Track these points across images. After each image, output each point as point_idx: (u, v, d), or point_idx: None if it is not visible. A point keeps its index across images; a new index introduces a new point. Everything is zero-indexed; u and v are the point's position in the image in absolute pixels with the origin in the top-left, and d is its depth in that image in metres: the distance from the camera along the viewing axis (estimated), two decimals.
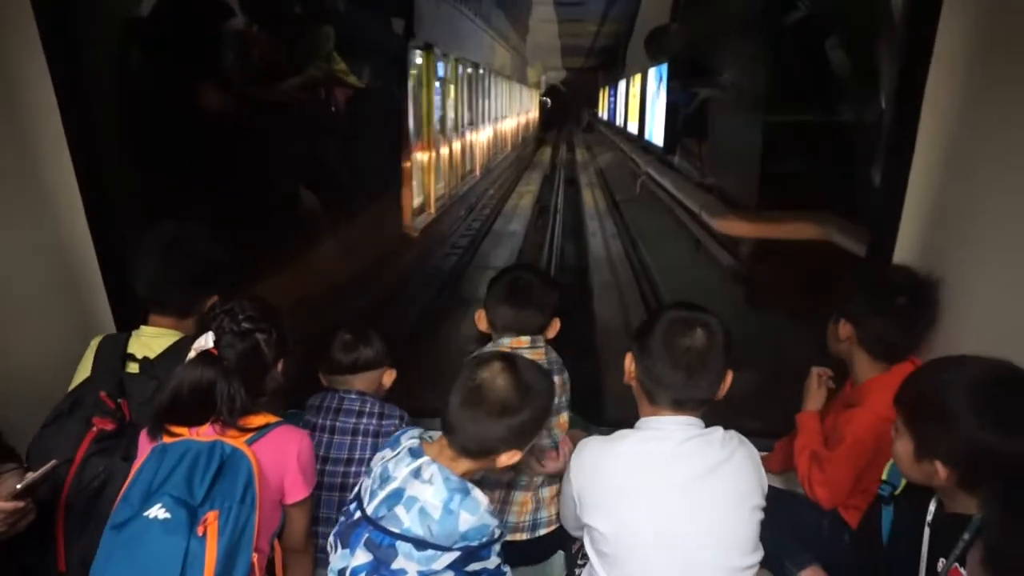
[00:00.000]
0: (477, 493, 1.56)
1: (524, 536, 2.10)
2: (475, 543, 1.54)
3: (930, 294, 2.08)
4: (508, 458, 1.62)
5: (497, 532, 1.58)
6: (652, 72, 12.74)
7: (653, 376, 1.64)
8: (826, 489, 2.09)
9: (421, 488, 1.54)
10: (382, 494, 1.57)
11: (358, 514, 1.60)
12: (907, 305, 2.07)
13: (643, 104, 14.36)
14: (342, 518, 1.65)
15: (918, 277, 2.11)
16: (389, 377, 2.26)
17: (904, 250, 2.32)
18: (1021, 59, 1.89)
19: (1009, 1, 1.94)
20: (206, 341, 1.64)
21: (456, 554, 1.52)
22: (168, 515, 1.48)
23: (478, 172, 14.76)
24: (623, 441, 1.66)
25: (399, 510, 1.53)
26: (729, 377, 1.66)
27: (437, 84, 10.65)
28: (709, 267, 7.28)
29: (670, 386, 1.63)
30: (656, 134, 11.75)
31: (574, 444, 2.58)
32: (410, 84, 7.85)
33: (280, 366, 1.79)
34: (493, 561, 1.59)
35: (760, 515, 1.62)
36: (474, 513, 1.53)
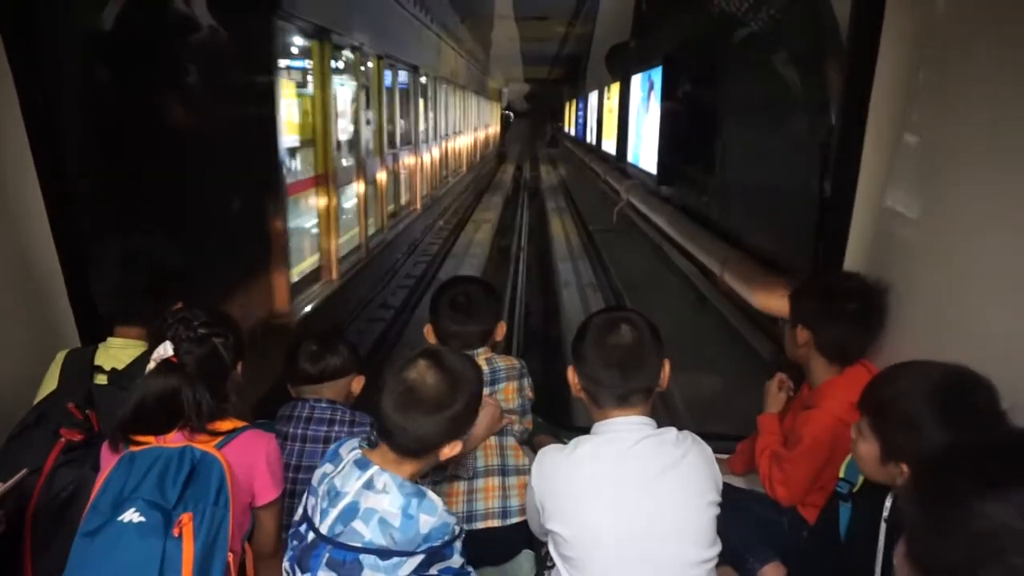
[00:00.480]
0: (431, 495, 1.59)
1: (496, 523, 2.12)
2: (438, 543, 1.55)
3: (879, 299, 2.17)
4: (450, 450, 1.64)
5: (457, 529, 1.60)
6: (637, 80, 11.45)
7: (593, 380, 1.72)
8: (785, 488, 2.19)
9: (377, 498, 1.54)
10: (335, 511, 1.55)
11: (311, 535, 1.58)
12: (859, 310, 2.16)
13: (623, 120, 12.48)
14: (294, 542, 1.62)
15: (867, 283, 2.20)
16: (358, 384, 2.28)
17: (853, 257, 2.45)
18: (958, 76, 2.02)
19: (945, 18, 2.07)
20: (165, 350, 1.66)
21: (420, 557, 1.53)
22: (143, 518, 1.49)
23: (418, 205, 12.57)
24: (580, 447, 1.71)
25: (357, 524, 1.53)
26: (667, 366, 1.74)
27: (346, 89, 8.47)
28: (728, 341, 6.07)
29: (609, 385, 1.70)
30: (644, 158, 10.57)
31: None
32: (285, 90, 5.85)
33: (239, 367, 1.83)
34: (456, 560, 1.60)
35: (716, 510, 1.68)
36: (433, 514, 1.55)
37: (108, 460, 1.64)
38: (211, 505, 1.55)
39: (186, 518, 1.52)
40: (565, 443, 1.86)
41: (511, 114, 44.37)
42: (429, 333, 2.28)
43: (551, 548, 1.74)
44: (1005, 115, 1.83)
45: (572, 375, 1.78)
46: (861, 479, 1.78)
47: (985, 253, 1.89)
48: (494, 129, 37.01)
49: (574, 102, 30.57)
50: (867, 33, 2.28)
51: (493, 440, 2.16)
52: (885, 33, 2.24)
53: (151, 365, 1.66)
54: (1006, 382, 1.50)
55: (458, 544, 1.61)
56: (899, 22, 2.20)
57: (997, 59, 1.89)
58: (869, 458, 1.63)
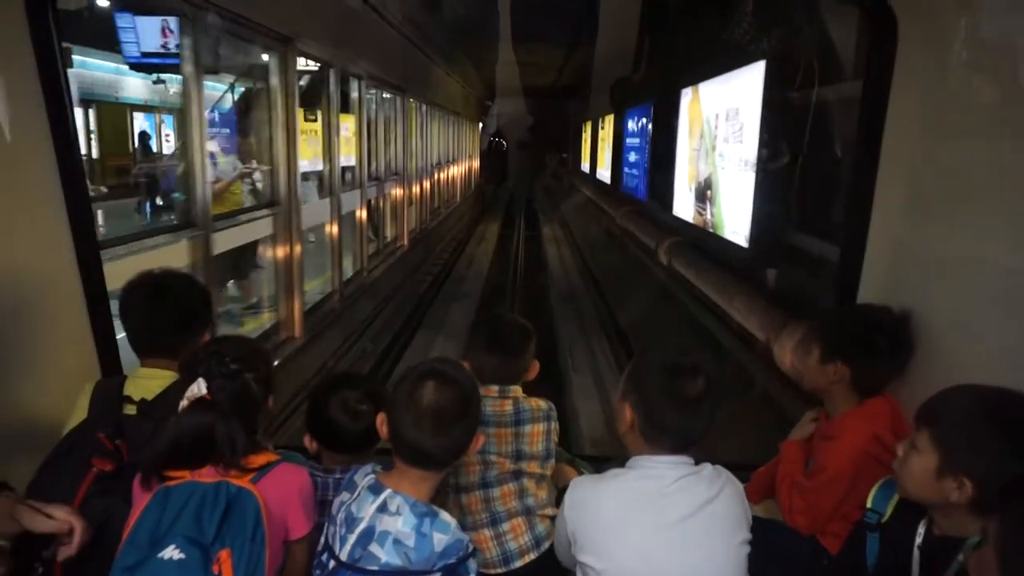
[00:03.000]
0: (445, 514, 1.62)
1: (533, 555, 2.10)
2: (453, 559, 1.58)
3: (907, 332, 2.21)
4: (475, 444, 1.70)
5: (471, 547, 1.63)
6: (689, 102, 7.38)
7: (657, 424, 1.70)
8: (806, 517, 2.21)
9: (391, 521, 1.58)
10: (352, 537, 1.59)
11: (332, 563, 1.61)
12: (894, 345, 2.19)
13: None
14: (316, 572, 1.66)
15: (898, 317, 2.24)
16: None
17: (868, 289, 2.50)
18: (968, 109, 2.11)
19: (956, 55, 2.15)
20: (199, 388, 1.65)
21: (437, 575, 1.57)
22: (183, 555, 1.48)
23: (336, 290, 7.99)
24: (615, 480, 1.72)
25: (374, 547, 1.56)
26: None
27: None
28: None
29: (675, 433, 1.69)
30: (734, 220, 5.88)
31: (562, 478, 2.64)
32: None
33: (270, 401, 1.82)
34: None
35: (747, 549, 1.70)
36: (446, 532, 1.58)
37: (140, 495, 1.64)
38: (248, 541, 1.55)
39: (224, 555, 1.51)
40: (582, 472, 1.86)
41: (502, 142, 36.01)
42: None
43: None
44: (1014, 145, 1.90)
45: (628, 412, 1.75)
46: (890, 509, 1.80)
47: (997, 281, 1.96)
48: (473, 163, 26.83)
49: (588, 128, 21.75)
50: (880, 70, 2.36)
51: (512, 485, 2.14)
52: (897, 70, 2.32)
53: (184, 403, 1.65)
54: None
55: (473, 562, 1.63)
56: (911, 59, 2.28)
57: (1006, 92, 1.96)
58: (923, 473, 1.63)
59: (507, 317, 2.38)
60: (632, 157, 12.91)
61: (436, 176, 16.85)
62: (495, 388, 2.15)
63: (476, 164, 27.98)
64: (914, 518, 1.68)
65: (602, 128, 18.10)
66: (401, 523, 1.58)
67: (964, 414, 1.61)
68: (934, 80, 2.22)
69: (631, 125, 13.06)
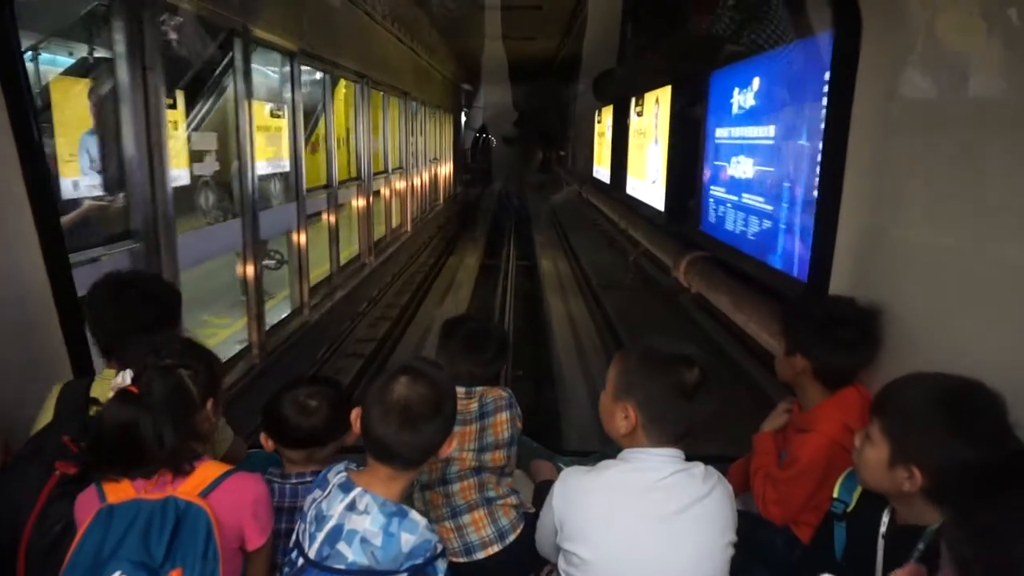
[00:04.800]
0: (414, 514, 1.61)
1: (496, 548, 2.14)
2: (420, 560, 1.57)
3: (873, 323, 2.22)
4: (447, 447, 1.69)
5: (440, 547, 1.62)
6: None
7: (659, 416, 1.70)
8: (780, 508, 2.22)
9: (359, 519, 1.57)
10: (321, 535, 1.59)
11: (301, 560, 1.61)
12: (856, 337, 2.20)
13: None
14: (286, 568, 1.65)
15: (862, 308, 2.25)
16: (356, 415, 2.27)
17: (839, 279, 2.51)
18: (934, 98, 2.13)
19: (922, 35, 2.17)
20: (123, 379, 1.61)
21: (404, 575, 1.56)
22: None
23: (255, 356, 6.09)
24: (606, 471, 1.72)
25: (341, 546, 1.56)
26: None
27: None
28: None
29: (675, 422, 1.70)
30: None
31: (539, 473, 2.65)
32: None
33: (210, 405, 1.78)
34: None
35: (732, 551, 1.70)
36: (414, 532, 1.58)
37: (84, 508, 1.58)
38: (200, 559, 1.52)
39: (175, 575, 1.48)
40: (562, 468, 1.86)
41: (491, 138, 30.91)
42: None
43: (562, 566, 1.74)
44: (980, 136, 1.91)
45: (629, 411, 1.73)
46: (856, 498, 1.81)
47: (967, 270, 1.97)
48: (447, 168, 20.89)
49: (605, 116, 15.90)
50: (845, 62, 2.37)
51: (472, 480, 2.17)
52: (862, 62, 2.33)
53: (110, 394, 1.62)
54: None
55: (442, 563, 1.62)
56: (876, 50, 2.29)
57: (970, 81, 1.98)
58: (876, 463, 1.65)
59: (484, 323, 2.42)
60: (742, 167, 6.43)
61: (386, 192, 12.17)
62: (462, 390, 2.15)
63: (450, 169, 21.36)
64: (878, 507, 1.69)
65: (638, 113, 11.75)
66: (369, 522, 1.57)
67: (912, 403, 1.62)
68: (899, 71, 2.24)
69: (741, 99, 6.50)
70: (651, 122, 10.55)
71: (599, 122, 15.07)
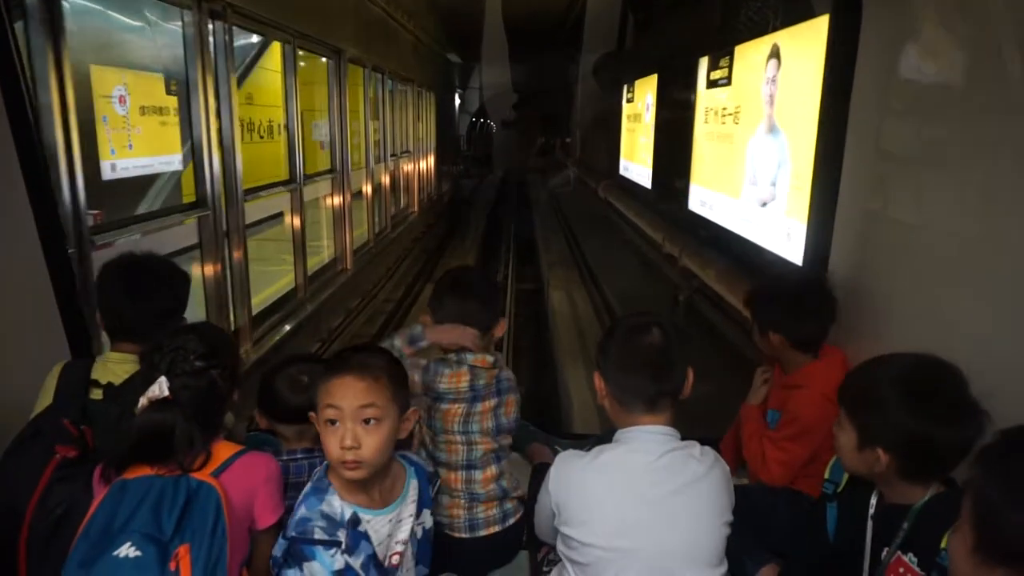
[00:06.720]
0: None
1: (496, 528, 2.18)
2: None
3: (826, 288, 2.34)
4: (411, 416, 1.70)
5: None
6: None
7: (621, 383, 1.73)
8: (783, 467, 2.28)
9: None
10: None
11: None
12: (819, 305, 2.31)
13: None
14: None
15: (814, 277, 2.42)
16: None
17: (838, 260, 2.54)
18: (932, 82, 2.12)
19: (922, 23, 2.16)
20: (160, 389, 1.61)
21: None
22: (138, 552, 1.45)
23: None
24: (602, 454, 1.73)
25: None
26: (691, 375, 1.75)
27: None
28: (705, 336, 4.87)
29: (639, 388, 1.71)
30: None
31: (536, 456, 2.67)
32: None
33: (236, 395, 1.79)
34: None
35: (728, 530, 1.72)
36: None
37: (99, 489, 1.61)
38: (209, 535, 1.52)
39: (183, 550, 1.49)
40: (558, 451, 1.87)
41: (491, 124, 27.52)
42: (428, 322, 2.22)
43: (560, 549, 1.76)
44: (978, 120, 1.91)
45: (598, 380, 1.79)
46: (845, 479, 1.82)
47: (962, 253, 1.98)
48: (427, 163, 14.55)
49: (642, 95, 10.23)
50: (844, 41, 2.37)
51: (494, 469, 2.19)
52: (862, 41, 2.32)
53: (143, 402, 1.62)
54: (985, 374, 1.54)
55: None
56: (877, 29, 2.28)
57: (970, 65, 1.97)
58: (848, 448, 1.68)
59: (472, 269, 2.41)
60: None
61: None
62: (489, 359, 2.16)
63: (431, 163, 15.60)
64: (867, 488, 1.71)
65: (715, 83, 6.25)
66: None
67: (870, 387, 1.64)
68: (900, 50, 2.23)
69: None
70: (742, 100, 5.55)
71: (629, 100, 10.14)
